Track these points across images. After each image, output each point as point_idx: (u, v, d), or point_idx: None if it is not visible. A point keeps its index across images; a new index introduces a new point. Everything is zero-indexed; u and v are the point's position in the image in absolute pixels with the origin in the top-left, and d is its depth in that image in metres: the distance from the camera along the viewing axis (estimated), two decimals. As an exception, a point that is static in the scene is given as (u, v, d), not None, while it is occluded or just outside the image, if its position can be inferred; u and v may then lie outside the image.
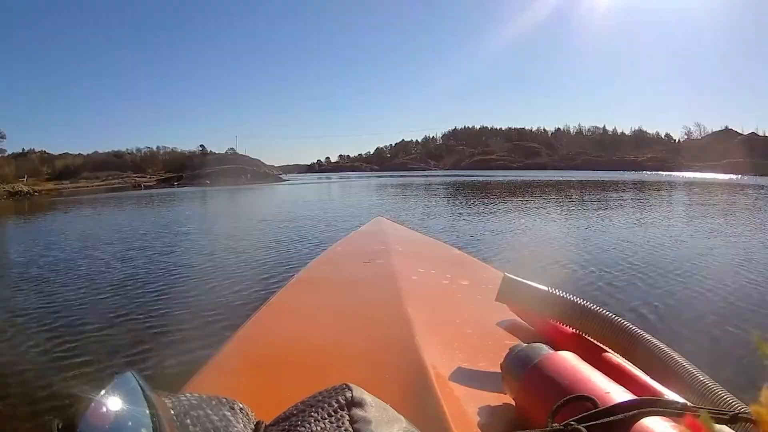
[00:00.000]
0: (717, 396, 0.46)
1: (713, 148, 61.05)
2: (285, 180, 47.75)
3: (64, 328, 3.49)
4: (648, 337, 0.56)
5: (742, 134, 69.72)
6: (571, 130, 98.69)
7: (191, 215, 13.26)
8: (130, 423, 0.23)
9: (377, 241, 1.70)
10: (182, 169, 50.84)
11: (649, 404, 0.38)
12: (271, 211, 12.67)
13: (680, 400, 0.44)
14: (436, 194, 16.98)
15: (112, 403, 0.23)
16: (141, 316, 3.62)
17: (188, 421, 0.28)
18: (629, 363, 0.56)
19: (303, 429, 0.30)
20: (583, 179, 28.17)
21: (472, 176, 41.74)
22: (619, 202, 13.05)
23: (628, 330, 0.58)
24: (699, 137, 78.11)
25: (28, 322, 3.72)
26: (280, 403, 0.35)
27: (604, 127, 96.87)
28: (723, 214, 9.58)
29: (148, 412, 0.24)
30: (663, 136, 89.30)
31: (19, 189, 33.44)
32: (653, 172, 48.90)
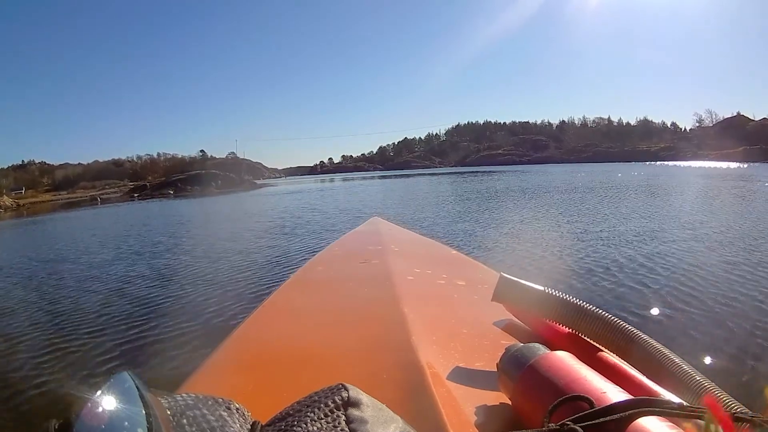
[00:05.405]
0: (713, 396, 0.46)
1: (726, 135, 60.11)
2: (264, 185, 44.06)
3: (61, 328, 3.48)
4: (644, 337, 0.56)
5: (754, 120, 68.67)
6: (576, 122, 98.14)
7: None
8: (126, 423, 0.23)
9: (373, 241, 1.70)
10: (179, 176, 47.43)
11: (646, 404, 0.38)
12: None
13: (677, 400, 0.44)
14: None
15: (108, 402, 0.23)
16: (137, 318, 3.61)
17: (184, 421, 0.27)
18: (625, 363, 0.56)
19: (299, 429, 0.29)
20: (612, 175, 23.16)
21: (485, 172, 39.22)
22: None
23: (624, 330, 0.58)
24: (711, 124, 76.72)
25: (25, 324, 3.71)
26: (277, 403, 0.35)
27: (609, 117, 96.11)
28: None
29: (144, 412, 0.24)
30: (669, 125, 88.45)
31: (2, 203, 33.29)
32: (673, 163, 44.92)
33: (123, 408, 0.23)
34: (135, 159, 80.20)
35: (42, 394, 2.38)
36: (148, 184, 46.73)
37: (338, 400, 0.31)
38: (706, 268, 3.99)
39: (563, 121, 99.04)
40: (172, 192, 38.86)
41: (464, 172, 43.54)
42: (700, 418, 0.35)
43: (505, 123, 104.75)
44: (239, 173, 48.34)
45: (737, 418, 0.37)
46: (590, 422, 0.36)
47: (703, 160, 46.78)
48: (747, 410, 0.41)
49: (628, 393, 0.43)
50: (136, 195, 40.64)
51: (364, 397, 0.32)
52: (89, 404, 0.23)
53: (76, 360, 2.82)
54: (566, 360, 0.48)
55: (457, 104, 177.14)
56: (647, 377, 0.52)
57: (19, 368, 2.74)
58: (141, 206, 25.12)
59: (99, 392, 0.24)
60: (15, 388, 2.47)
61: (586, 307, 0.63)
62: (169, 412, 0.27)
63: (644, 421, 0.37)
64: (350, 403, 0.31)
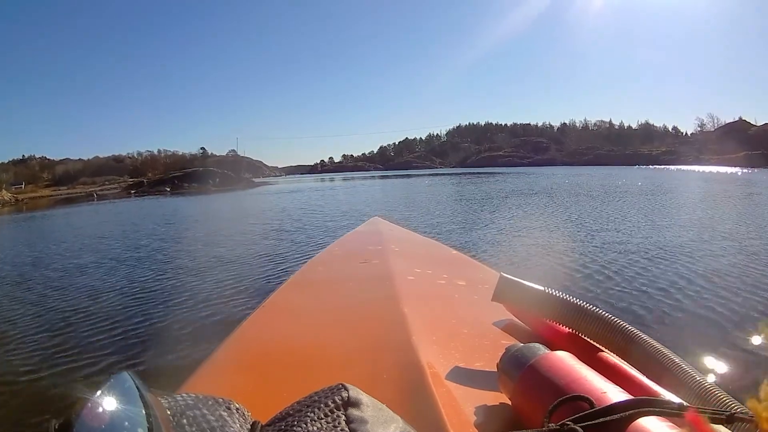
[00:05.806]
0: (714, 396, 0.46)
1: (727, 140, 60.23)
2: (263, 183, 43.48)
3: (61, 329, 3.48)
4: (644, 336, 0.56)
5: (755, 125, 68.84)
6: (578, 125, 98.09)
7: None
8: (126, 423, 0.23)
9: (374, 241, 1.70)
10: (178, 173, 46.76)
11: (646, 404, 0.38)
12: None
13: (677, 399, 0.44)
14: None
15: (108, 403, 0.23)
16: (136, 318, 3.61)
17: (184, 421, 0.27)
18: (625, 363, 0.56)
19: (299, 429, 0.29)
20: (618, 179, 22.09)
21: (487, 173, 38.32)
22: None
23: (624, 330, 0.58)
24: (712, 129, 76.84)
25: (25, 324, 3.71)
26: (277, 403, 0.35)
27: (611, 120, 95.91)
28: None
29: (144, 412, 0.24)
30: (671, 129, 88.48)
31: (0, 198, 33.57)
32: (675, 167, 44.20)
33: (123, 408, 0.23)
34: (135, 155, 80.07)
35: (42, 394, 2.38)
36: (145, 180, 46.25)
37: (338, 400, 0.31)
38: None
39: (564, 123, 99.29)
40: (168, 189, 38.49)
41: (466, 173, 43.24)
42: None
43: (506, 124, 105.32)
44: (239, 171, 48.19)
45: (737, 418, 0.37)
46: (590, 422, 0.36)
47: (705, 164, 46.54)
48: (747, 410, 0.41)
49: (628, 393, 0.43)
50: (132, 192, 40.18)
51: (364, 397, 0.32)
52: (89, 404, 0.23)
53: (76, 360, 2.82)
54: (566, 360, 0.48)
55: (458, 105, 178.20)
56: (647, 377, 0.52)
57: (20, 368, 2.74)
58: (136, 203, 24.90)
59: (99, 392, 0.24)
60: (15, 389, 2.47)
61: (586, 307, 0.63)
62: (169, 412, 0.27)
63: (644, 421, 0.37)
64: (350, 403, 0.31)
